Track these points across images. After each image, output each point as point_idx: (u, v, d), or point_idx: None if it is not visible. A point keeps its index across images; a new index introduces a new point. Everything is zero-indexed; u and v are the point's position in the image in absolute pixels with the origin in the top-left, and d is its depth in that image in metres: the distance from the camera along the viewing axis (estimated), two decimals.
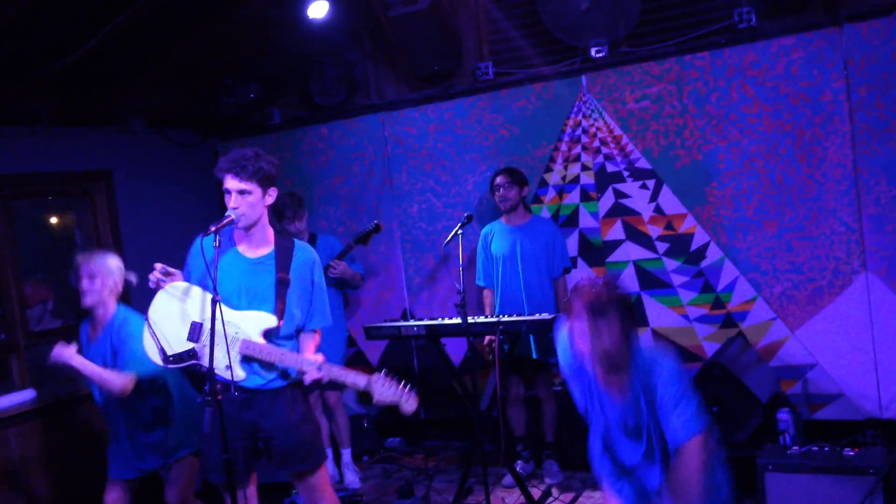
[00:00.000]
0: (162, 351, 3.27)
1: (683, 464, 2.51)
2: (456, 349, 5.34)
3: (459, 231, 4.56)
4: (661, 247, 5.01)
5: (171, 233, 5.51)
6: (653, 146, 4.98)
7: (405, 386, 3.15)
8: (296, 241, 3.41)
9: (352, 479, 5.19)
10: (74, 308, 3.90)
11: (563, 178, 5.26)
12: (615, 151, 5.09)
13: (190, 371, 3.38)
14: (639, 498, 2.71)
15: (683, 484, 2.50)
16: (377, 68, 5.92)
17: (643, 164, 5.02)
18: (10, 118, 4.86)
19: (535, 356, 4.79)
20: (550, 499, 4.61)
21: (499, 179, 4.89)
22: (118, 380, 3.60)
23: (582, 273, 5.13)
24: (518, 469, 4.84)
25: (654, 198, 5.01)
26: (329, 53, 5.78)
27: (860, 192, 4.48)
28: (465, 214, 4.73)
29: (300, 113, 6.11)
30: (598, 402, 2.70)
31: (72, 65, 4.47)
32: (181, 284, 3.32)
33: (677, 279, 4.97)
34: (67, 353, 3.67)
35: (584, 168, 5.19)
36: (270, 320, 3.23)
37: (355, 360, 5.87)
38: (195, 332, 3.24)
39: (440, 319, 4.51)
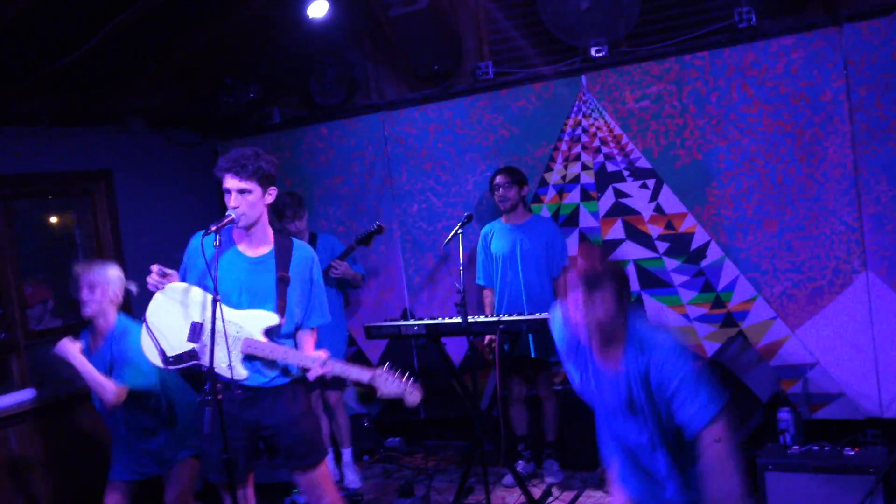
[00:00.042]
0: (162, 352, 3.27)
1: (706, 454, 2.42)
2: (456, 349, 5.34)
3: (459, 231, 4.57)
4: (662, 246, 5.01)
5: (171, 232, 5.50)
6: (653, 146, 4.98)
7: (409, 379, 3.16)
8: (294, 239, 3.42)
9: (352, 478, 5.19)
10: (74, 308, 3.90)
11: (564, 177, 5.26)
12: (615, 151, 5.09)
13: (189, 372, 3.37)
14: (646, 486, 2.66)
15: (712, 475, 2.42)
16: (377, 68, 5.92)
17: (643, 163, 5.02)
18: (10, 118, 4.86)
19: (533, 355, 4.79)
20: (551, 498, 4.61)
21: (498, 179, 4.89)
22: (112, 388, 3.60)
23: None
24: (519, 469, 4.84)
25: (654, 197, 5.01)
26: (329, 53, 5.78)
27: (860, 191, 4.48)
28: (466, 214, 4.74)
29: (300, 113, 6.11)
30: (593, 379, 2.66)
31: (72, 65, 4.47)
32: (180, 285, 3.30)
33: (677, 278, 4.97)
34: (72, 350, 3.68)
35: (585, 167, 5.19)
36: (273, 318, 3.23)
37: (355, 360, 5.84)
38: (195, 332, 3.23)
39: (440, 319, 4.51)
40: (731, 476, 2.40)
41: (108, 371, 3.67)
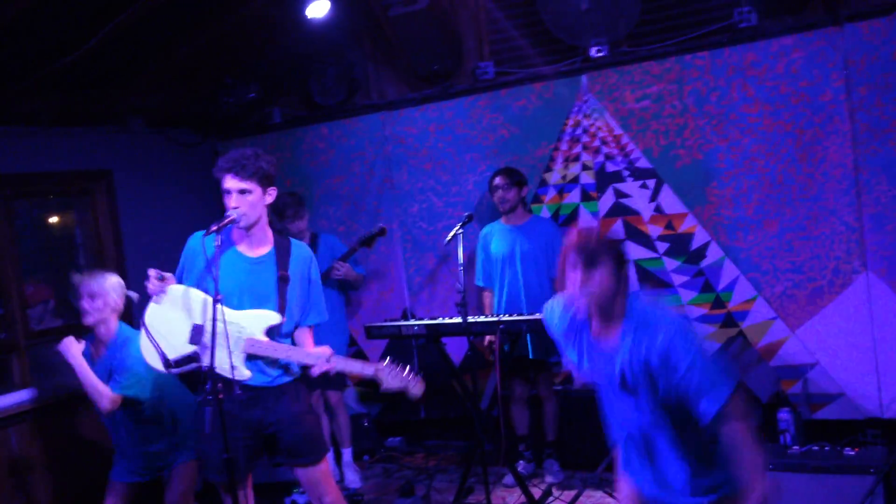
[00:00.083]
0: (163, 356, 3.24)
1: (728, 432, 2.40)
2: (456, 349, 5.34)
3: (460, 230, 4.56)
4: (662, 246, 5.01)
5: (171, 232, 5.48)
6: (653, 146, 4.98)
7: (410, 371, 3.20)
8: (292, 239, 3.43)
9: (352, 478, 5.20)
10: (75, 308, 3.91)
11: (564, 177, 5.26)
12: (615, 151, 5.09)
13: (190, 375, 3.35)
14: (651, 475, 2.62)
15: (737, 452, 2.41)
16: (377, 68, 5.92)
17: (643, 163, 5.02)
18: (10, 118, 4.85)
19: (531, 356, 4.79)
20: (551, 498, 4.61)
21: (497, 180, 4.89)
22: (108, 395, 3.61)
23: None
24: (519, 469, 4.84)
25: (654, 197, 5.01)
26: (329, 53, 5.78)
27: (861, 191, 4.48)
28: (466, 214, 4.74)
29: (300, 113, 6.11)
30: (590, 358, 2.63)
31: (72, 65, 4.47)
32: (178, 288, 3.29)
33: (677, 279, 4.97)
34: (73, 350, 3.68)
35: (585, 167, 5.19)
36: (274, 318, 3.24)
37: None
38: (196, 333, 3.22)
39: (440, 319, 4.52)
40: (755, 449, 2.41)
41: (108, 378, 3.67)
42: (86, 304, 3.73)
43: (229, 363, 3.12)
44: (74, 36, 4.32)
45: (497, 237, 4.95)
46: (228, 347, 3.10)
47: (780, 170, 4.66)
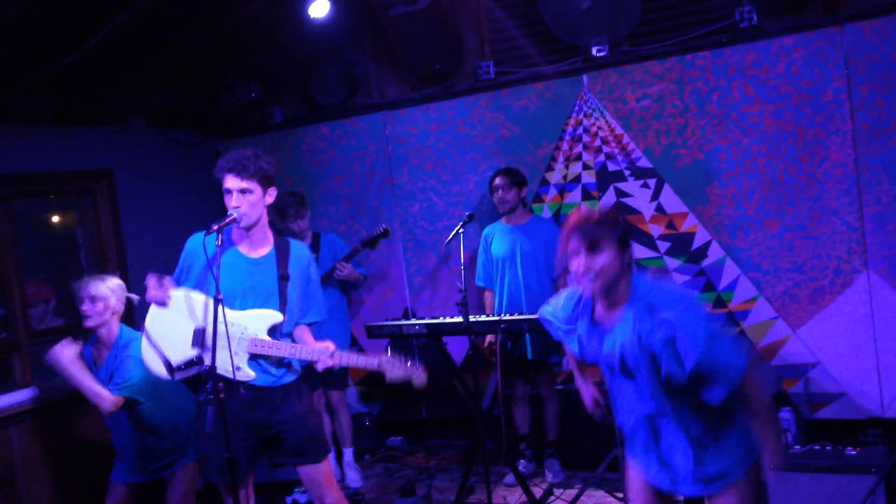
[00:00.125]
0: (166, 361, 3.23)
1: (747, 396, 2.45)
2: (457, 348, 5.34)
3: (461, 230, 4.57)
4: (663, 246, 5.01)
5: (172, 231, 5.48)
6: (654, 145, 4.98)
7: (413, 361, 3.23)
8: (290, 239, 3.43)
9: (353, 477, 5.20)
10: (76, 308, 3.90)
11: (565, 176, 5.26)
12: (616, 150, 5.09)
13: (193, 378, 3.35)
14: (658, 461, 2.61)
15: (754, 405, 2.48)
16: (378, 67, 5.92)
17: (644, 163, 5.02)
18: (11, 118, 4.85)
19: (530, 356, 4.79)
20: (552, 498, 4.61)
21: (497, 181, 4.89)
22: (108, 397, 3.60)
23: None
24: (520, 468, 4.84)
25: (655, 197, 5.01)
26: (330, 53, 5.78)
27: (861, 191, 4.48)
28: (467, 213, 4.75)
29: (301, 112, 6.11)
30: (593, 342, 2.61)
31: (72, 64, 4.47)
32: (179, 292, 3.28)
33: (679, 278, 4.96)
34: (65, 358, 3.63)
35: (586, 167, 5.19)
36: (276, 316, 3.24)
37: None
38: (199, 337, 3.20)
39: (442, 318, 4.51)
40: (770, 414, 2.52)
41: (110, 380, 3.67)
42: (86, 307, 3.73)
43: (232, 364, 3.12)
44: (75, 36, 4.32)
45: (498, 237, 4.95)
46: (230, 348, 3.09)
47: (781, 169, 4.66)
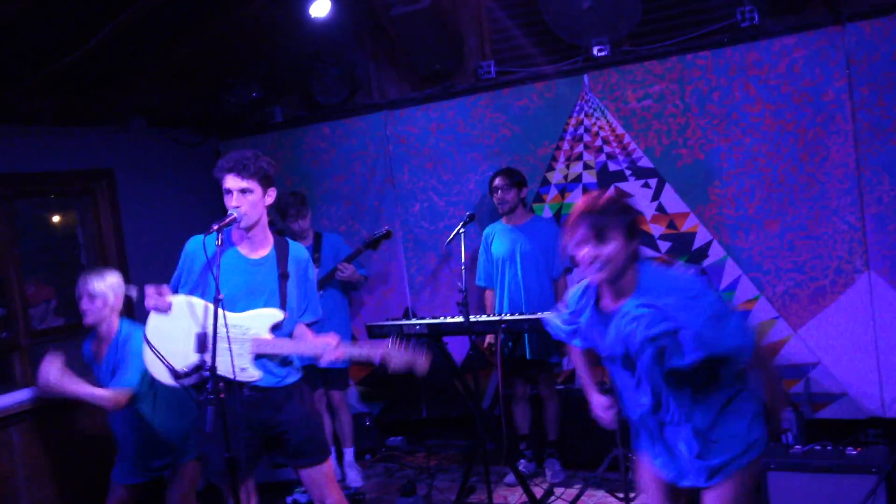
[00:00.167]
0: (171, 369, 3.21)
1: (753, 384, 2.51)
2: (458, 348, 5.34)
3: (461, 230, 4.57)
4: (664, 246, 5.01)
5: (173, 231, 5.50)
6: (655, 145, 4.98)
7: (414, 348, 3.18)
8: (288, 239, 3.44)
9: (354, 477, 5.20)
10: (77, 307, 3.90)
11: (566, 176, 5.26)
12: (617, 150, 5.09)
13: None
14: (665, 452, 2.60)
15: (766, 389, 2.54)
16: (379, 67, 5.92)
17: (645, 162, 5.01)
18: (11, 117, 4.85)
19: (529, 356, 4.78)
20: (553, 498, 4.61)
21: (497, 181, 4.88)
22: (110, 396, 3.60)
23: None
24: (521, 468, 4.84)
25: (656, 197, 5.01)
26: (331, 52, 5.78)
27: (863, 191, 4.48)
28: (467, 213, 4.75)
29: (302, 112, 6.11)
30: (595, 333, 2.59)
31: (72, 64, 4.47)
32: (179, 298, 3.27)
33: None
34: (54, 375, 3.61)
35: (587, 167, 5.19)
36: (277, 315, 3.24)
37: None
38: (202, 342, 3.16)
39: (442, 318, 4.52)
40: (779, 383, 2.56)
41: (112, 375, 3.67)
42: (85, 304, 3.73)
43: (233, 365, 3.10)
44: (75, 36, 4.32)
45: (498, 237, 4.95)
46: (230, 349, 3.08)
47: (782, 169, 4.65)
